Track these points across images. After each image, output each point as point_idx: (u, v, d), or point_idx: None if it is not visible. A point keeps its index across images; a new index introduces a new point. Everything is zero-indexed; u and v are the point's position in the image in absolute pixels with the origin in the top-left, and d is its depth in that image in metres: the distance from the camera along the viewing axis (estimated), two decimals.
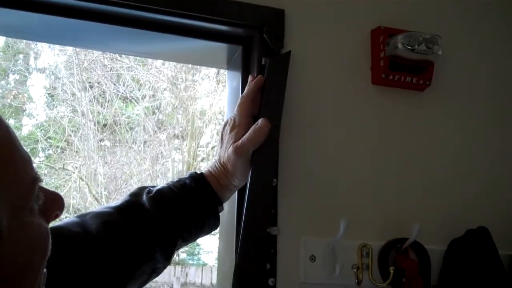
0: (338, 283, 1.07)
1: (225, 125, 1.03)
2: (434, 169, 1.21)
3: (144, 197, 0.92)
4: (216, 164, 0.99)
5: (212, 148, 7.34)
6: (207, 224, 0.97)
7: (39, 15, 1.07)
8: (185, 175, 1.00)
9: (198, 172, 1.00)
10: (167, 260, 0.92)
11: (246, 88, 1.06)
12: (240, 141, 0.97)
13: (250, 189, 0.98)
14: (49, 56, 7.72)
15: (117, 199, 0.96)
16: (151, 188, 0.95)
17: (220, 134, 1.02)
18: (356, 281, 1.06)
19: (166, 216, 0.91)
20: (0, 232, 0.47)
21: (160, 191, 0.94)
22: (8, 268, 0.49)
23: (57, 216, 0.58)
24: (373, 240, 1.11)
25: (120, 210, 0.90)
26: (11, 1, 1.04)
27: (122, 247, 0.86)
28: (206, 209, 0.96)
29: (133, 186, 7.29)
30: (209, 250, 8.22)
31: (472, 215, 1.19)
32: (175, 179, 0.98)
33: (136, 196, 0.93)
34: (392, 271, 1.06)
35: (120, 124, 7.41)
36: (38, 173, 0.53)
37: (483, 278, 1.09)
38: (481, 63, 1.31)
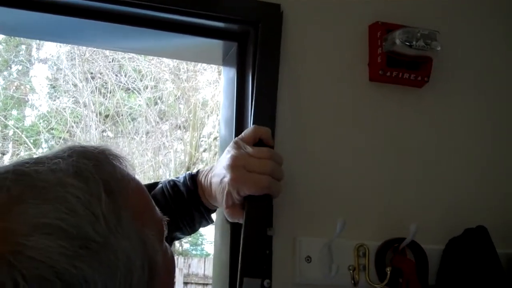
0: (334, 284, 1.05)
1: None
2: (431, 167, 1.20)
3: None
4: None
5: (214, 138, 7.33)
6: (198, 223, 0.98)
7: (35, 13, 1.06)
8: (182, 175, 0.99)
9: (195, 173, 0.98)
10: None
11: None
12: None
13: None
14: (51, 47, 7.70)
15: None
16: (158, 182, 0.99)
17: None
18: (353, 282, 1.05)
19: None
20: (157, 264, 0.60)
21: (156, 190, 0.97)
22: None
23: None
24: (370, 240, 1.10)
25: None
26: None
27: None
28: (195, 214, 0.97)
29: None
30: (212, 240, 8.23)
31: (470, 213, 1.18)
32: (178, 177, 0.99)
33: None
34: (389, 272, 1.05)
35: (122, 115, 7.40)
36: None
37: (482, 278, 1.08)
38: (480, 60, 1.29)
